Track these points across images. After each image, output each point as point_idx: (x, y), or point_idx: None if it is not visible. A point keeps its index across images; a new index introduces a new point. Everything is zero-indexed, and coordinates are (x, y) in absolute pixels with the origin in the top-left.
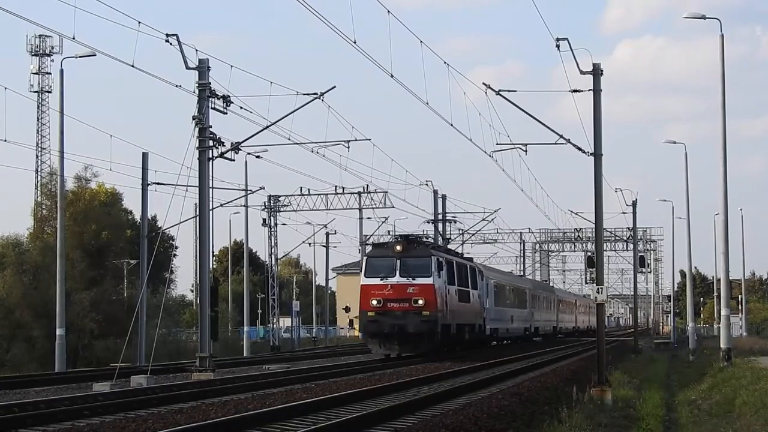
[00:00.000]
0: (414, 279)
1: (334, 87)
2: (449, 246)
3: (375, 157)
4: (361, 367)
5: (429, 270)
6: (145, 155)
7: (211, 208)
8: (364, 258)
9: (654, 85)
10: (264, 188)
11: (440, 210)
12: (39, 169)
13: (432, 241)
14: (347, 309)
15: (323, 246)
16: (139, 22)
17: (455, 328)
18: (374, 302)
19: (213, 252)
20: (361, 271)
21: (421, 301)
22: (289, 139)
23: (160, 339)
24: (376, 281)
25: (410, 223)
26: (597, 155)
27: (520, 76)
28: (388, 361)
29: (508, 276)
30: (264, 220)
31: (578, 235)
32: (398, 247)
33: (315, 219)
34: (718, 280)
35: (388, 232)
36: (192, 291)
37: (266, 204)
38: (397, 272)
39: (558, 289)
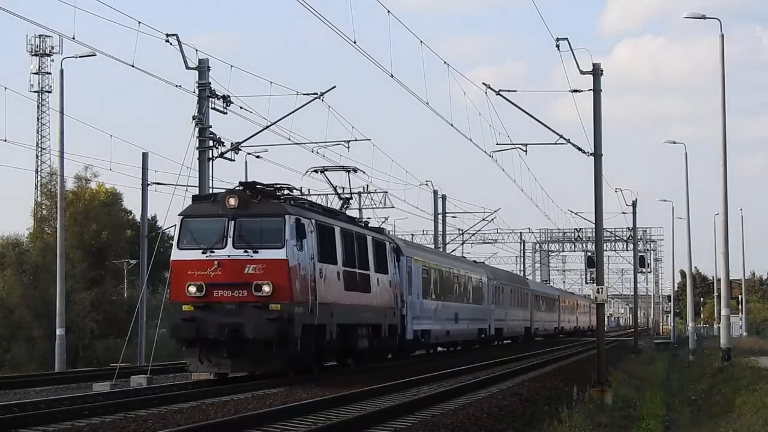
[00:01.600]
0: (256, 251)
1: (334, 87)
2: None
3: (375, 157)
4: (360, 367)
5: (281, 237)
6: (145, 155)
7: None
8: (178, 218)
9: (654, 85)
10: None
11: (440, 210)
12: (39, 169)
13: (300, 194)
14: None
15: None
16: (139, 22)
17: (337, 332)
18: (192, 289)
19: None
20: (173, 239)
21: (267, 287)
22: (289, 139)
23: (160, 339)
24: (196, 255)
25: (410, 222)
26: (597, 155)
27: (519, 76)
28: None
29: (450, 259)
30: None
31: (578, 235)
32: (232, 201)
33: None
34: (718, 280)
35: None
36: None
37: None
38: (230, 240)
39: (534, 282)
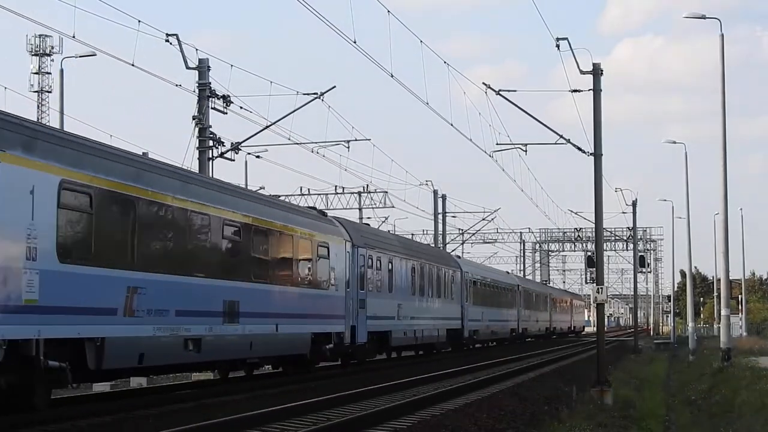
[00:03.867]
0: None
1: (334, 87)
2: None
3: (375, 157)
4: (359, 368)
5: None
6: (144, 155)
7: None
8: None
9: (654, 84)
10: (264, 188)
11: (440, 210)
12: None
13: None
14: None
15: None
16: (139, 21)
17: None
18: None
19: None
20: None
21: None
22: (289, 139)
23: None
24: None
25: (410, 222)
26: (597, 155)
27: (520, 76)
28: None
29: (210, 189)
30: None
31: (578, 235)
32: None
33: None
34: (718, 280)
35: (389, 231)
36: None
37: None
38: None
39: (471, 262)
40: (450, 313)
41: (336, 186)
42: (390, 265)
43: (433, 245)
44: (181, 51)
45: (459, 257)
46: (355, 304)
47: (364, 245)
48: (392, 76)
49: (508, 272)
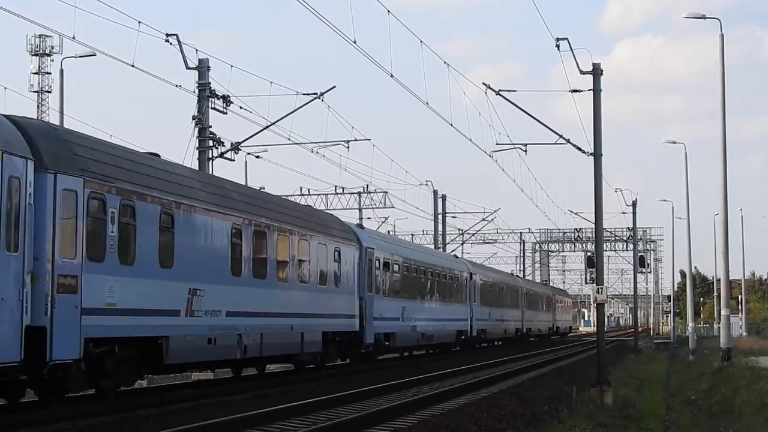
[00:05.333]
0: None
1: (334, 87)
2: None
3: (375, 157)
4: (359, 368)
5: None
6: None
7: None
8: None
9: (653, 84)
10: (264, 188)
11: (440, 210)
12: None
13: None
14: None
15: None
16: (139, 22)
17: None
18: None
19: None
20: None
21: None
22: (289, 139)
23: None
24: None
25: (410, 222)
26: (597, 155)
27: (520, 76)
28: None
29: None
30: None
31: (578, 235)
32: None
33: None
34: (718, 280)
35: (388, 231)
36: None
37: None
38: None
39: (381, 235)
40: (335, 307)
41: (336, 186)
42: (167, 217)
43: (433, 246)
44: (181, 51)
45: (362, 227)
46: (42, 288)
47: (80, 172)
48: (392, 76)
49: (456, 256)
